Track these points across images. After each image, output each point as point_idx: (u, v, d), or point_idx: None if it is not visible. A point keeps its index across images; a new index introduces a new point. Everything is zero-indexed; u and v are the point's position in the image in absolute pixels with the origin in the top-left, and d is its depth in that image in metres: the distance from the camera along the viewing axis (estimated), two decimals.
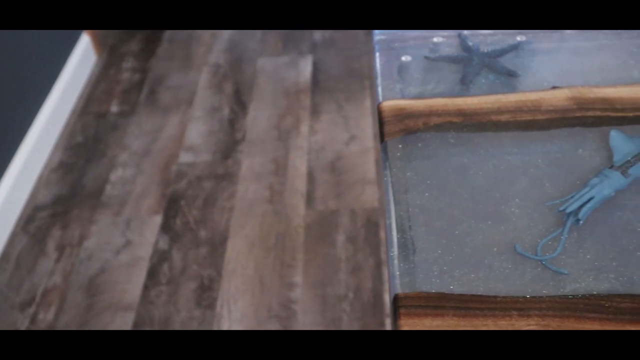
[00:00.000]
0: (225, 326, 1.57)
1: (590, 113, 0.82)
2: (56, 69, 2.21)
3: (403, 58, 0.96)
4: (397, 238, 0.69)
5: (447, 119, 0.83)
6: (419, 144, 0.80)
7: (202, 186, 1.95)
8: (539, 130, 0.81)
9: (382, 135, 0.82)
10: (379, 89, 0.90)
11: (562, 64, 0.92)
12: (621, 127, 0.80)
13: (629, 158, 0.75)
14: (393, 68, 0.95)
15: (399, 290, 0.63)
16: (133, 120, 2.22)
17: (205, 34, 2.60)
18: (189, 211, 1.88)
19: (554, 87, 0.86)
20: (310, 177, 1.94)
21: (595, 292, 0.62)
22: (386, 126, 0.83)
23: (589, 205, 0.70)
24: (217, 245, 1.77)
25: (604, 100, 0.83)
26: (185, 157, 2.06)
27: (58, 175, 2.02)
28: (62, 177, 2.02)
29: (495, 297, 0.62)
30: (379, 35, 1.00)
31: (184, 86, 2.34)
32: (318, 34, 2.53)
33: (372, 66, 2.32)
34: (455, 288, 0.64)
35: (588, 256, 0.66)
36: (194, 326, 1.58)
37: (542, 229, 0.70)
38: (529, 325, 0.59)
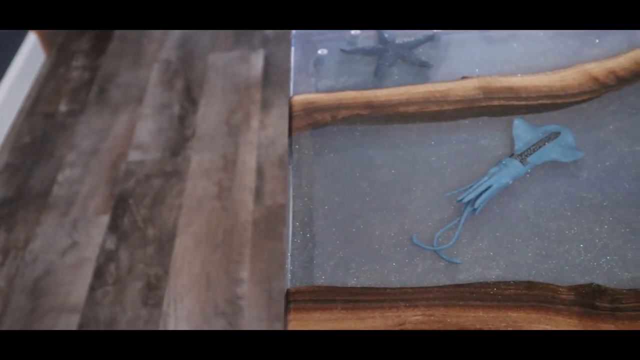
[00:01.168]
0: (171, 324, 1.56)
1: (495, 102, 0.82)
2: (0, 69, 2.16)
3: (319, 51, 0.95)
4: (295, 232, 0.69)
5: (355, 111, 0.83)
6: (326, 138, 0.80)
7: (151, 184, 1.94)
8: (446, 120, 0.81)
9: (290, 130, 0.81)
10: (291, 83, 0.89)
11: (476, 54, 0.93)
12: (526, 115, 0.81)
13: (529, 146, 0.76)
14: (309, 62, 0.94)
15: (289, 285, 0.63)
16: (82, 119, 2.19)
17: (157, 31, 2.57)
18: (137, 210, 1.86)
19: (463, 77, 0.87)
20: (260, 172, 1.93)
21: (482, 281, 0.63)
22: (294, 120, 0.82)
23: (486, 194, 0.71)
24: (165, 244, 1.76)
25: (510, 89, 0.84)
26: (134, 156, 2.03)
27: (4, 178, 1.99)
28: (8, 179, 1.99)
29: (384, 289, 0.62)
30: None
31: (134, 84, 2.32)
32: None
33: None
34: (350, 281, 0.64)
35: (481, 245, 0.67)
36: (140, 325, 1.56)
37: (441, 219, 0.70)
38: (415, 315, 0.60)
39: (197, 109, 2.19)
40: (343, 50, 0.95)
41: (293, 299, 0.62)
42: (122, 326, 1.56)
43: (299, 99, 0.85)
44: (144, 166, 2.00)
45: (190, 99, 2.23)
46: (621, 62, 0.85)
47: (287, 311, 0.61)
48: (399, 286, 0.63)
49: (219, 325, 1.55)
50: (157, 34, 2.56)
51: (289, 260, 0.66)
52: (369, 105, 0.83)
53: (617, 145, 0.76)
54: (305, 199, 0.73)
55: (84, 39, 2.55)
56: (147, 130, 2.13)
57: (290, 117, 0.83)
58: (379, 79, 0.90)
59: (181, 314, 1.58)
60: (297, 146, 0.79)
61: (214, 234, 1.77)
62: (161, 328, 1.55)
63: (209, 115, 2.16)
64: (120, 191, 1.92)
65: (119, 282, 1.67)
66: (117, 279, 1.68)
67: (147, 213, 1.85)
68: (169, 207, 1.86)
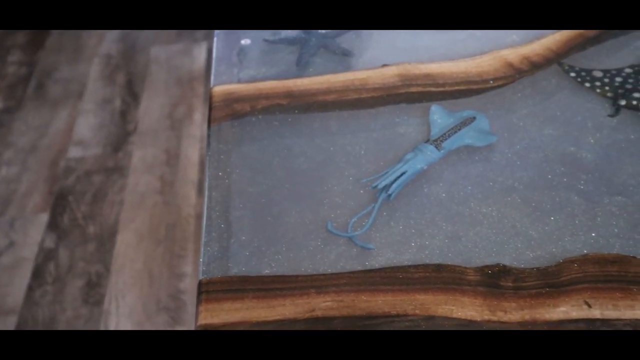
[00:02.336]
0: (112, 322, 1.54)
1: (413, 89, 0.83)
2: None
3: (242, 42, 0.95)
4: (210, 223, 0.69)
5: (275, 101, 0.83)
6: (245, 128, 0.80)
7: (92, 181, 1.90)
8: (365, 108, 0.82)
9: (209, 121, 0.81)
10: (212, 74, 0.89)
11: (398, 42, 0.93)
12: (443, 101, 0.82)
13: (445, 132, 0.77)
14: (232, 52, 0.94)
15: (202, 276, 0.63)
16: (19, 116, 2.13)
17: None
18: (77, 207, 1.82)
19: (384, 65, 0.87)
20: (203, 166, 1.91)
21: (394, 265, 0.64)
22: (214, 111, 0.82)
23: (400, 180, 0.72)
24: (106, 241, 1.73)
25: (427, 75, 0.85)
26: (74, 152, 1.99)
27: None
28: None
29: (296, 276, 0.63)
30: None
31: (74, 78, 2.27)
32: None
33: None
34: (264, 270, 0.64)
35: (395, 230, 0.68)
36: (80, 324, 1.54)
37: (357, 206, 0.71)
38: (325, 301, 0.60)
39: (139, 103, 2.15)
40: (266, 40, 0.95)
41: (204, 290, 0.62)
42: (61, 326, 1.53)
43: (218, 89, 0.85)
44: (85, 162, 1.96)
45: (132, 93, 2.19)
46: (535, 49, 0.87)
47: (198, 302, 0.61)
48: (311, 273, 0.63)
49: (161, 320, 1.53)
50: None
51: (202, 251, 0.66)
52: (289, 94, 0.83)
53: (528, 129, 0.78)
54: (223, 190, 0.73)
55: (20, 34, 2.48)
56: (87, 125, 2.08)
57: (210, 108, 0.83)
58: (300, 68, 0.90)
59: (123, 311, 1.56)
60: (215, 137, 0.79)
61: (157, 229, 1.74)
62: (102, 326, 1.53)
63: (152, 109, 2.12)
64: (60, 189, 1.88)
65: (59, 281, 1.63)
66: (56, 278, 1.64)
67: (87, 210, 1.81)
68: (110, 204, 1.83)
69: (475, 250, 0.65)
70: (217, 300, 0.61)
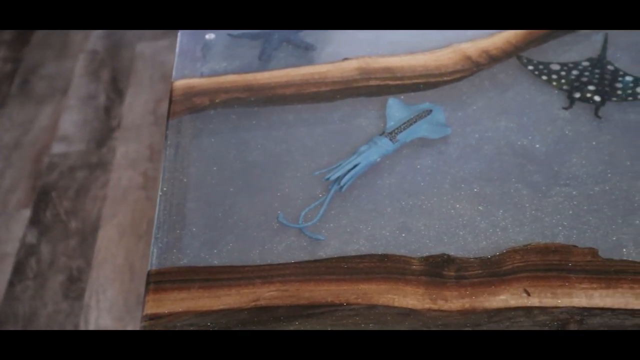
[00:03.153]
0: (93, 317, 1.55)
1: (372, 82, 0.84)
2: None
3: (207, 36, 0.95)
4: (163, 214, 0.70)
5: (234, 95, 0.83)
6: (204, 121, 0.81)
7: (75, 176, 1.91)
8: (323, 101, 0.83)
9: (168, 114, 0.82)
10: (174, 69, 0.89)
11: (362, 35, 0.94)
12: (401, 94, 0.83)
13: (400, 124, 0.78)
14: (197, 47, 0.94)
15: (151, 267, 0.64)
16: (3, 112, 2.13)
17: None
18: (59, 203, 1.83)
19: (344, 59, 0.88)
20: None
21: (342, 255, 0.65)
22: (173, 105, 0.83)
23: (353, 172, 0.73)
24: (88, 236, 1.73)
25: (387, 69, 0.85)
26: (57, 148, 2.00)
27: None
28: None
29: (243, 267, 0.64)
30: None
31: (59, 75, 2.27)
32: None
33: None
34: (214, 260, 0.65)
35: (345, 221, 0.69)
36: (60, 319, 1.55)
37: (310, 198, 0.72)
38: (270, 291, 0.61)
39: (124, 99, 2.16)
40: (230, 35, 0.96)
41: (153, 280, 0.63)
42: (42, 320, 1.54)
43: (179, 83, 0.86)
44: (68, 158, 1.96)
45: (117, 90, 2.20)
46: (495, 42, 0.88)
47: (145, 293, 0.62)
48: (259, 264, 0.64)
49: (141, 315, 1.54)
50: None
51: (153, 242, 0.67)
52: (248, 88, 0.84)
53: (483, 121, 0.79)
54: (178, 183, 0.74)
55: (6, 30, 2.48)
56: (71, 121, 2.09)
57: (170, 102, 0.83)
58: (263, 62, 0.90)
59: (103, 305, 1.57)
60: (174, 130, 0.80)
61: (139, 224, 1.75)
62: (82, 321, 1.54)
63: (136, 105, 2.13)
64: (43, 184, 1.88)
65: (40, 277, 1.64)
66: (37, 274, 1.65)
67: (70, 205, 1.82)
68: (93, 199, 1.84)
69: (422, 241, 0.66)
70: (165, 290, 0.62)
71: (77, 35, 2.45)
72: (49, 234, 1.75)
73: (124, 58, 2.33)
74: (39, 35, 2.46)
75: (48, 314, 1.56)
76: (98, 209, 1.81)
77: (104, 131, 2.05)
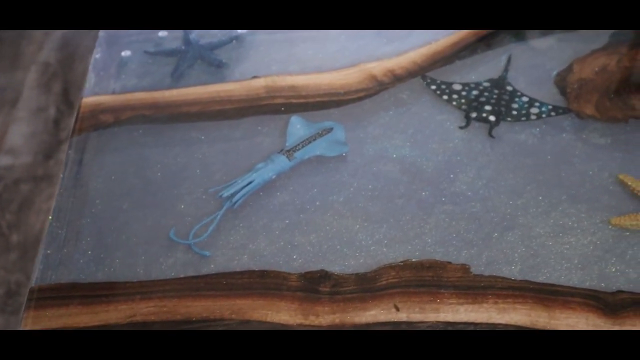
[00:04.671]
0: None
1: (278, 100, 0.86)
2: None
3: (123, 53, 0.97)
4: (53, 231, 0.70)
5: (140, 112, 0.84)
6: (107, 138, 0.82)
7: (19, 189, 1.89)
8: (228, 119, 0.84)
9: (72, 131, 0.83)
10: (86, 85, 0.90)
11: (277, 54, 0.96)
12: (305, 112, 0.85)
13: (299, 142, 0.80)
14: (112, 63, 0.96)
15: (34, 283, 0.65)
16: None
17: (37, 32, 2.51)
18: (2, 216, 1.81)
19: (254, 77, 0.90)
20: None
21: (228, 271, 0.66)
22: (79, 122, 0.84)
23: (246, 189, 0.74)
24: (29, 249, 1.72)
25: (293, 87, 0.87)
26: (3, 161, 1.98)
27: None
28: None
29: (124, 283, 0.65)
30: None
31: (9, 86, 2.26)
32: None
33: None
34: (100, 276, 0.66)
35: (235, 237, 0.70)
36: None
37: (205, 214, 0.73)
38: (147, 307, 0.62)
39: (74, 111, 2.15)
40: (147, 52, 0.97)
41: (32, 297, 0.63)
42: None
43: (87, 100, 0.87)
44: (14, 171, 1.95)
45: (68, 102, 2.19)
46: (401, 62, 0.90)
47: (24, 309, 0.62)
48: (143, 279, 0.65)
49: None
50: (37, 35, 2.50)
51: (39, 259, 0.67)
52: (154, 105, 0.85)
53: (381, 139, 0.81)
54: (76, 199, 0.74)
55: None
56: (19, 134, 2.08)
57: (76, 119, 0.84)
58: (175, 79, 0.92)
59: None
60: (76, 147, 0.81)
61: None
62: None
63: None
64: None
65: None
66: None
67: (12, 219, 1.81)
68: (37, 212, 1.82)
69: (305, 257, 0.67)
70: (43, 307, 0.62)
71: (29, 46, 2.44)
72: None
73: (76, 70, 2.33)
74: None
75: None
76: (41, 222, 1.80)
77: (53, 143, 2.04)
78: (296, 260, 0.67)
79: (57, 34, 2.51)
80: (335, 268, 0.66)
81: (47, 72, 2.32)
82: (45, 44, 2.45)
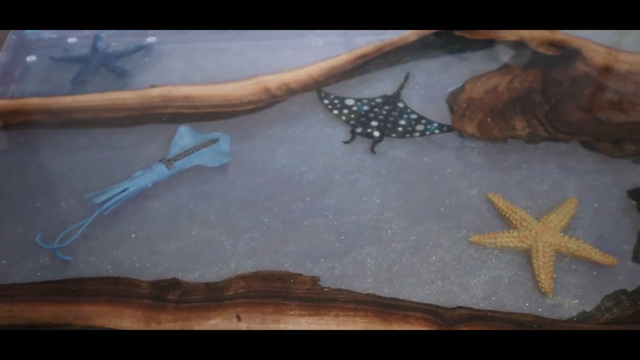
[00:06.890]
0: None
1: (169, 110, 0.87)
2: None
3: (27, 58, 0.98)
4: None
5: (32, 117, 0.85)
6: None
7: None
8: (118, 127, 0.85)
9: None
10: None
11: (181, 64, 0.97)
12: (195, 123, 0.86)
13: (181, 152, 0.81)
14: (17, 67, 0.97)
15: None
16: None
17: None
18: None
19: (151, 86, 0.91)
20: None
21: (83, 277, 0.67)
22: None
23: (120, 196, 0.75)
24: None
25: (187, 97, 0.88)
26: None
27: None
28: None
29: None
30: (13, 34, 1.01)
31: None
32: None
33: None
34: None
35: (102, 244, 0.71)
36: None
37: (77, 220, 0.73)
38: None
39: None
40: (52, 58, 0.98)
41: None
42: None
43: None
44: None
45: None
46: (298, 75, 0.92)
47: None
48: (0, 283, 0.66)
49: None
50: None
51: None
52: (47, 111, 0.86)
53: (265, 151, 0.82)
54: None
55: None
56: None
57: None
58: (75, 85, 0.93)
59: None
60: None
61: None
62: None
63: None
64: None
65: None
66: None
67: None
68: None
69: (164, 265, 0.68)
70: None
71: None
72: None
73: None
74: None
75: None
76: None
77: None
78: (155, 268, 0.68)
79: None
80: (189, 277, 0.67)
81: None
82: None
